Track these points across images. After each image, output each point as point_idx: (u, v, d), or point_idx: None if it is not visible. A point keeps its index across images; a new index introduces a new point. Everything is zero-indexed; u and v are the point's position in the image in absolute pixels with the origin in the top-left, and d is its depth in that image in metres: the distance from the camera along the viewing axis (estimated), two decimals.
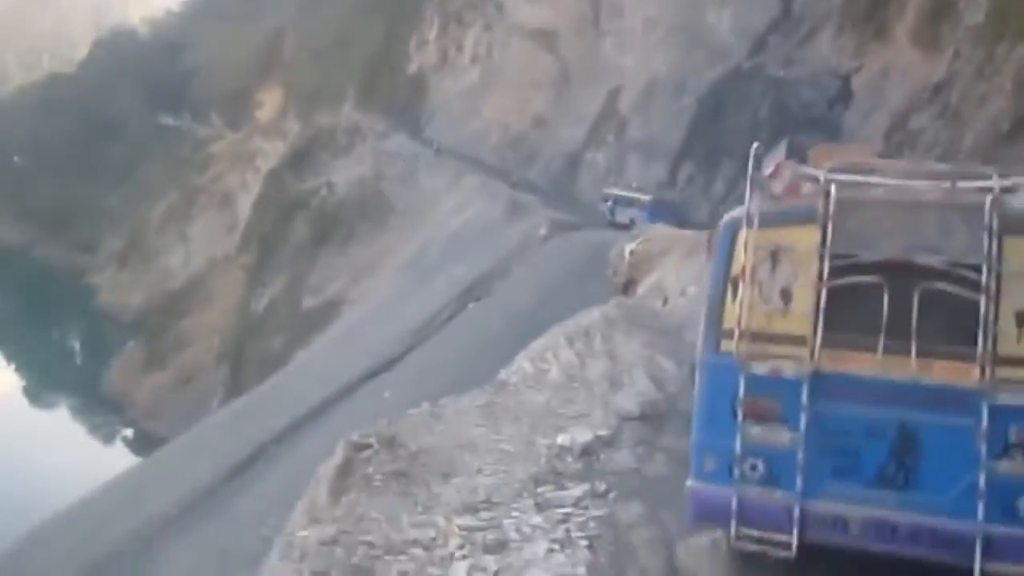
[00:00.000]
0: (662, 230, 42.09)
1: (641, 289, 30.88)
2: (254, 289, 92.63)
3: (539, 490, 11.62)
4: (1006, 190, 8.78)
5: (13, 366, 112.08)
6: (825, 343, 8.67)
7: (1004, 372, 8.37)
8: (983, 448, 8.33)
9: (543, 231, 69.08)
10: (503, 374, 16.15)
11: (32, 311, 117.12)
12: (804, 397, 8.65)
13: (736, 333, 8.86)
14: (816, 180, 8.98)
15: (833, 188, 8.76)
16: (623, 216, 65.73)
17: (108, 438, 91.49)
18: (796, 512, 8.69)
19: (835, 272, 8.67)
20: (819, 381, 8.65)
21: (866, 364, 8.61)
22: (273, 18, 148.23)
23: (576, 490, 11.58)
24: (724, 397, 8.99)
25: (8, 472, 68.03)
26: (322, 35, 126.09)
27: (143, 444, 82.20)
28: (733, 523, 8.91)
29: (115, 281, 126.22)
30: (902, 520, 8.54)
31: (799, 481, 8.69)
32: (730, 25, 73.66)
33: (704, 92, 73.54)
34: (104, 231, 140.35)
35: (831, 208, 8.69)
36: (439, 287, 69.05)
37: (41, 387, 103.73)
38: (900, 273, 8.56)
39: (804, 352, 8.70)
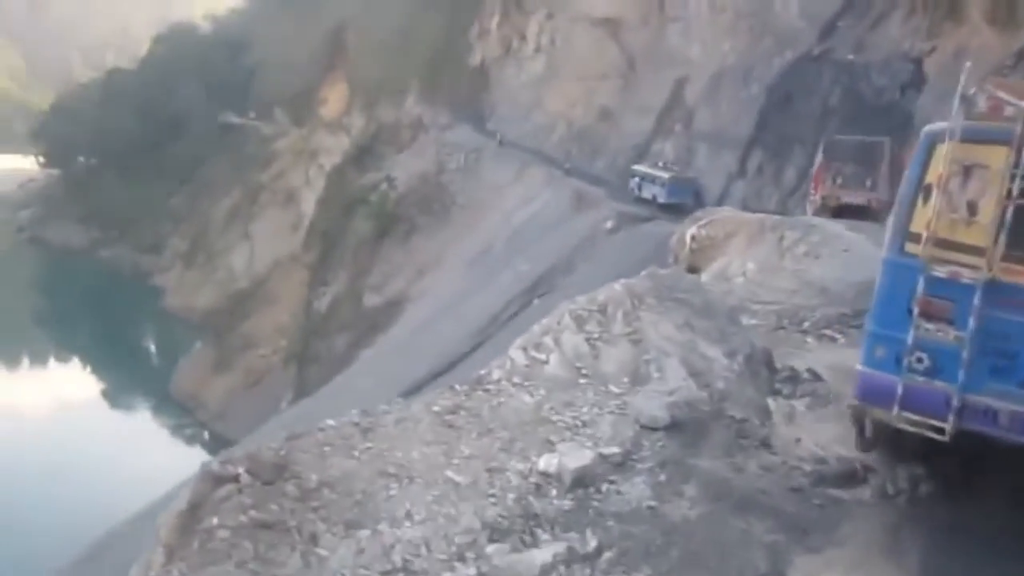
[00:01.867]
0: (727, 213, 40.18)
1: (705, 277, 28.98)
2: (316, 288, 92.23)
3: (489, 549, 8.53)
4: None
5: (89, 369, 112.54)
6: (1003, 256, 9.62)
7: None
8: None
9: (609, 224, 68.96)
10: (485, 369, 12.46)
11: (100, 314, 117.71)
12: (976, 301, 9.63)
13: (924, 236, 9.81)
14: (1017, 105, 9.57)
15: None
16: (647, 192, 70.79)
17: (190, 440, 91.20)
18: (955, 402, 9.73)
19: (1021, 192, 9.48)
20: (991, 289, 9.63)
21: None
22: (335, 13, 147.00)
23: (547, 549, 8.52)
24: (902, 294, 10.01)
25: (94, 476, 69.24)
26: (384, 28, 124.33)
27: (215, 446, 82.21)
28: (896, 407, 9.97)
29: (181, 282, 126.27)
30: None
31: (961, 375, 9.71)
32: (798, 10, 72.04)
33: (773, 79, 72.21)
34: (169, 231, 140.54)
35: None
36: (504, 283, 68.36)
37: (118, 390, 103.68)
38: None
39: (982, 261, 9.63)
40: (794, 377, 13.62)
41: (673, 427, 10.86)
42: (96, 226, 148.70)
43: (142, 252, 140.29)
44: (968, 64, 10.84)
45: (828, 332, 17.26)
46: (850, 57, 66.43)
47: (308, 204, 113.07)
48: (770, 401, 12.59)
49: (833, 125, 63.09)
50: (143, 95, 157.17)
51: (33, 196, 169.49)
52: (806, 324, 17.80)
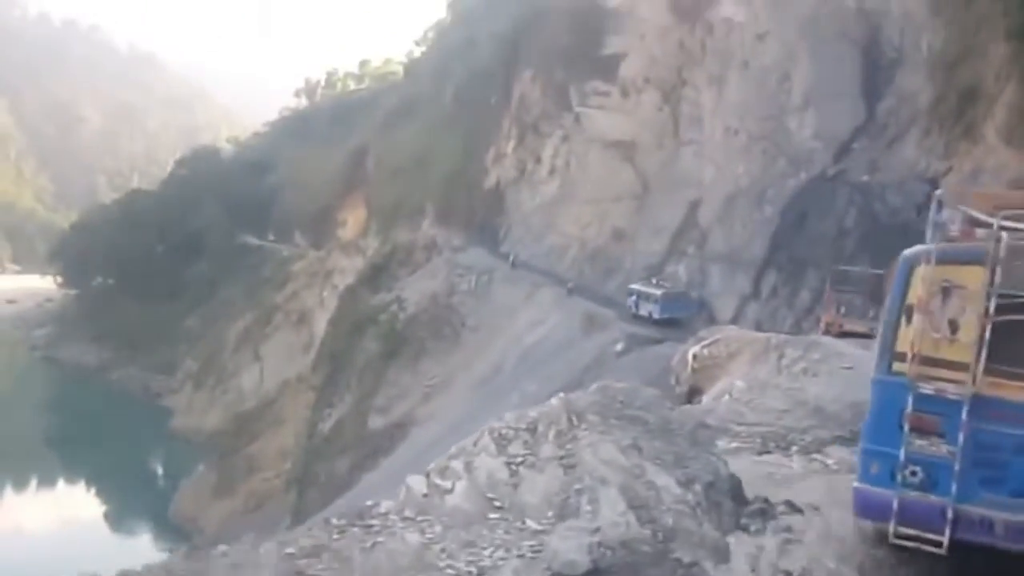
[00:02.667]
0: (731, 331, 38.35)
1: (706, 399, 26.77)
2: (321, 410, 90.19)
3: None
4: None
5: (94, 490, 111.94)
6: (985, 370, 9.78)
7: None
8: None
9: (619, 346, 67.64)
10: (373, 500, 10.25)
11: (108, 435, 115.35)
12: (964, 416, 9.77)
13: (909, 356, 9.99)
14: (988, 225, 9.86)
15: (1004, 235, 9.68)
16: (643, 310, 71.99)
17: None
18: (949, 514, 9.79)
19: (999, 309, 9.69)
20: (977, 403, 9.77)
21: (1020, 391, 9.69)
22: (356, 137, 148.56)
23: None
24: (892, 412, 10.10)
25: None
26: (403, 152, 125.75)
27: None
28: (893, 522, 9.97)
29: (189, 404, 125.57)
30: None
31: (953, 487, 9.81)
32: (813, 132, 71.25)
33: (787, 200, 71.23)
34: (182, 352, 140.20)
35: (1001, 252, 9.67)
36: (511, 405, 65.84)
37: (120, 513, 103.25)
38: None
39: (966, 377, 9.80)
40: (766, 510, 11.24)
41: (595, 574, 8.54)
42: (110, 346, 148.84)
43: (154, 373, 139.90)
44: (939, 191, 11.20)
45: (818, 457, 15.00)
46: (865, 178, 65.44)
47: (320, 325, 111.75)
48: (731, 540, 10.21)
49: (848, 246, 62.29)
50: (163, 216, 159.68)
51: (49, 315, 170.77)
52: (794, 448, 15.56)
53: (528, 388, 67.52)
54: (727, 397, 20.82)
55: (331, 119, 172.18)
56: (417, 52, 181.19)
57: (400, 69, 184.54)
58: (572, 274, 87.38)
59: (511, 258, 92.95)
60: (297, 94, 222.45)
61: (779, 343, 28.84)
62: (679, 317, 68.30)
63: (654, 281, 75.25)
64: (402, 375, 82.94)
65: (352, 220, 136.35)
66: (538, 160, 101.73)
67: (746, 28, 77.48)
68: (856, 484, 10.54)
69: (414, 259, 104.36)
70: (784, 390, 20.63)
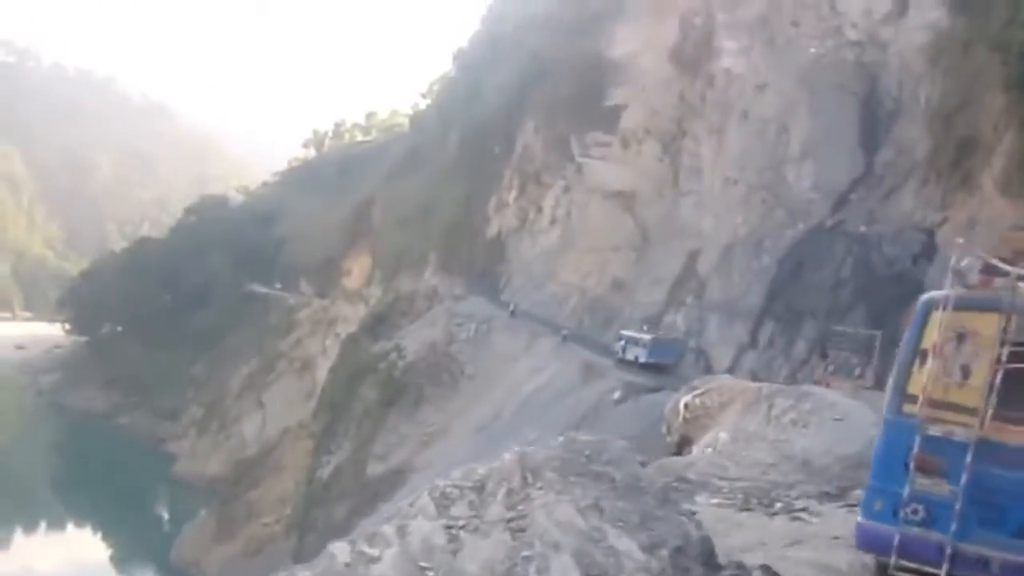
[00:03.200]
0: (725, 380, 37.25)
1: (696, 449, 25.47)
2: (321, 457, 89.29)
3: None
4: None
5: (100, 534, 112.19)
6: (992, 416, 9.85)
7: None
8: None
9: (617, 394, 66.15)
10: (286, 571, 8.90)
11: (114, 479, 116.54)
12: (968, 458, 9.86)
13: (920, 399, 10.10)
14: (1005, 274, 10.02)
15: (1022, 284, 9.83)
16: (631, 354, 72.07)
17: None
18: (948, 550, 9.89)
19: (1012, 357, 9.74)
20: (982, 446, 9.86)
21: (1022, 436, 9.78)
22: (362, 188, 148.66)
23: None
24: (899, 451, 10.21)
25: None
26: (408, 202, 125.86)
27: None
28: (894, 556, 10.11)
29: (192, 449, 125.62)
30: None
31: (953, 526, 9.88)
32: (811, 182, 70.54)
33: (785, 251, 70.45)
34: (188, 398, 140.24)
35: (1016, 302, 9.77)
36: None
37: (125, 555, 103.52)
38: None
39: (973, 421, 9.90)
40: None
41: None
42: (117, 392, 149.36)
43: (160, 418, 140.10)
44: (960, 240, 11.17)
45: (802, 516, 13.81)
46: (862, 228, 64.52)
47: (323, 372, 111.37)
48: None
49: (845, 296, 61.76)
50: (171, 264, 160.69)
51: (57, 361, 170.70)
52: (777, 505, 14.34)
53: (528, 435, 66.66)
54: (710, 450, 19.69)
55: (338, 170, 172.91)
56: (423, 104, 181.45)
57: (406, 121, 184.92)
58: (572, 323, 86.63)
59: (511, 307, 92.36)
60: (305, 145, 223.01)
61: (770, 393, 27.75)
62: (665, 362, 68.96)
63: (645, 328, 75.24)
64: (401, 422, 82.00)
65: (357, 269, 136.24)
66: (539, 210, 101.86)
67: (746, 79, 77.17)
68: (859, 520, 10.67)
69: (416, 308, 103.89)
70: (771, 442, 19.48)
